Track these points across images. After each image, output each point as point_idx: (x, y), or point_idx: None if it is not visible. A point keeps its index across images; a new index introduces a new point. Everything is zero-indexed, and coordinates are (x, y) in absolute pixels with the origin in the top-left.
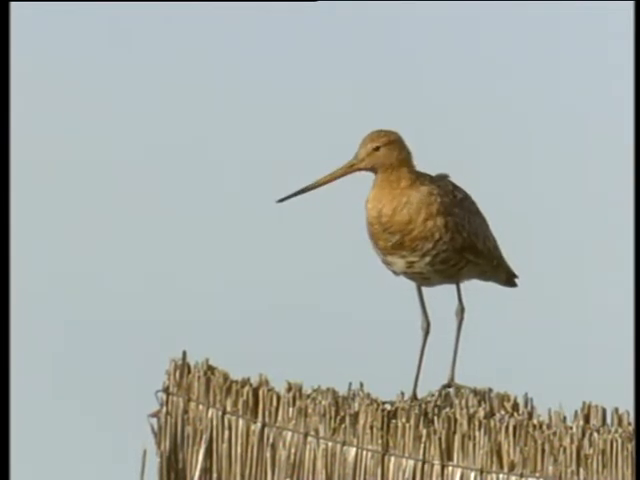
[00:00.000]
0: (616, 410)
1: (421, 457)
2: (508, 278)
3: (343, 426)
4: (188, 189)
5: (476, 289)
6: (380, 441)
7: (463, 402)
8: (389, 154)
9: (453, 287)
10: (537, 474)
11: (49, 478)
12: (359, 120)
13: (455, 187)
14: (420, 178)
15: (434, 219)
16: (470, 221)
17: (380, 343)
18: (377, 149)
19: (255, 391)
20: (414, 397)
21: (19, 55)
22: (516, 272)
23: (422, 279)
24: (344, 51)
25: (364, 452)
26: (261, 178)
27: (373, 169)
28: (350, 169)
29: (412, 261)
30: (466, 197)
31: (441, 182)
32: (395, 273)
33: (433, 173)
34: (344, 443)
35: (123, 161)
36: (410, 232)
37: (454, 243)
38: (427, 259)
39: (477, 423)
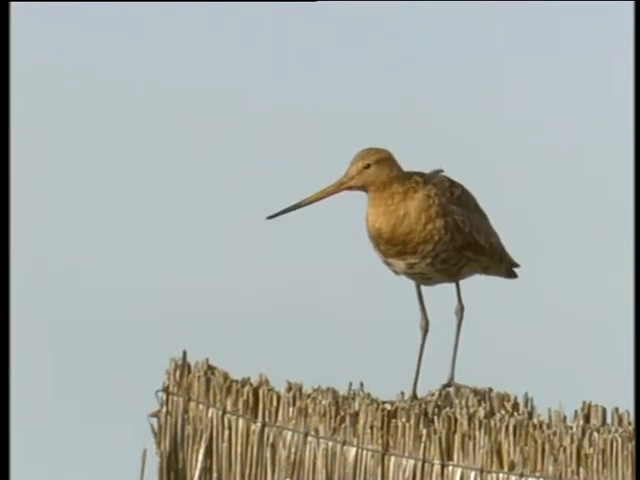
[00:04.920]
0: (616, 410)
1: (421, 457)
2: (509, 271)
3: (343, 426)
4: (189, 189)
5: (475, 288)
6: (380, 441)
7: (463, 402)
8: (379, 172)
9: (452, 286)
10: (537, 474)
11: (49, 478)
12: (358, 121)
13: (452, 183)
14: (413, 186)
15: (433, 222)
16: (470, 218)
17: (380, 343)
18: (367, 167)
19: (255, 391)
20: (414, 397)
21: (19, 55)
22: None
23: (423, 279)
24: (344, 51)
25: (364, 452)
26: (262, 180)
27: (364, 187)
28: (340, 187)
29: (413, 263)
30: (464, 192)
31: (436, 180)
32: (396, 273)
33: (431, 169)
34: (344, 443)
35: (122, 161)
36: (411, 240)
37: (454, 243)
38: (428, 260)
39: (477, 423)
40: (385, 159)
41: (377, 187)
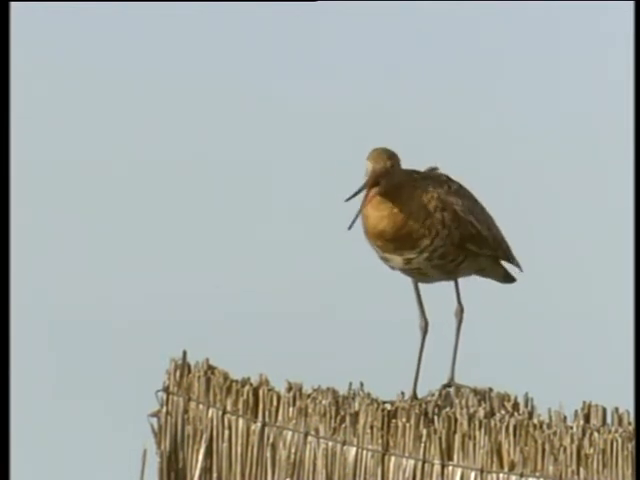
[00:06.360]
0: (616, 410)
1: (421, 457)
2: (506, 274)
3: (343, 426)
4: (189, 189)
5: (475, 288)
6: (380, 441)
7: (463, 402)
8: (397, 174)
9: (452, 286)
10: (537, 474)
11: (49, 478)
12: (358, 121)
13: (449, 178)
14: (413, 184)
15: (432, 216)
16: (470, 208)
17: (380, 343)
18: (392, 167)
19: (255, 391)
20: (414, 397)
21: (19, 55)
22: (517, 268)
23: (420, 275)
24: (343, 51)
25: (364, 452)
26: (262, 180)
27: (380, 185)
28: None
29: (410, 258)
30: (461, 187)
31: (434, 175)
32: (392, 268)
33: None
34: (344, 443)
35: (122, 161)
36: (410, 235)
37: (452, 237)
38: (425, 255)
39: (477, 423)
40: (399, 162)
41: (390, 187)
